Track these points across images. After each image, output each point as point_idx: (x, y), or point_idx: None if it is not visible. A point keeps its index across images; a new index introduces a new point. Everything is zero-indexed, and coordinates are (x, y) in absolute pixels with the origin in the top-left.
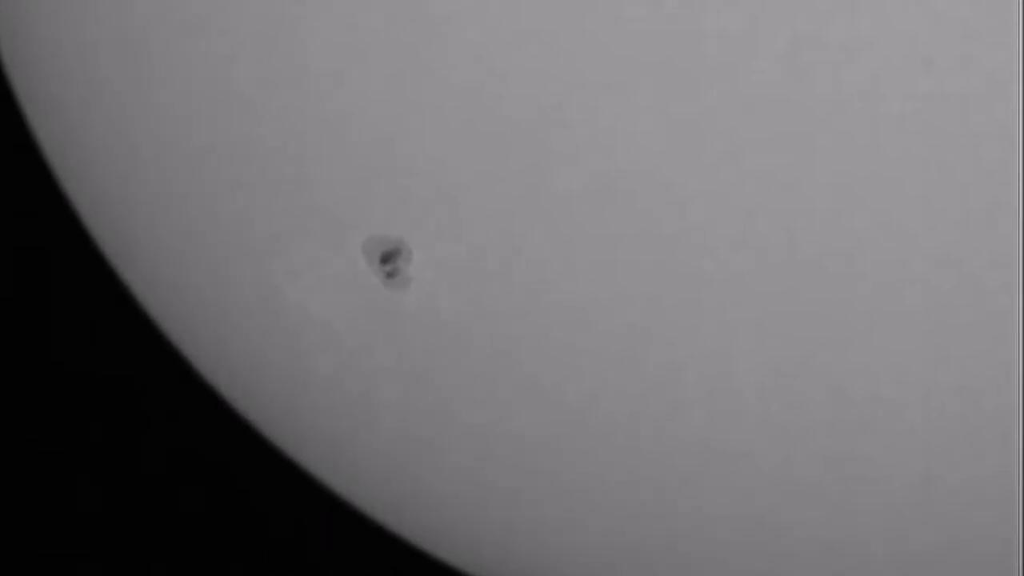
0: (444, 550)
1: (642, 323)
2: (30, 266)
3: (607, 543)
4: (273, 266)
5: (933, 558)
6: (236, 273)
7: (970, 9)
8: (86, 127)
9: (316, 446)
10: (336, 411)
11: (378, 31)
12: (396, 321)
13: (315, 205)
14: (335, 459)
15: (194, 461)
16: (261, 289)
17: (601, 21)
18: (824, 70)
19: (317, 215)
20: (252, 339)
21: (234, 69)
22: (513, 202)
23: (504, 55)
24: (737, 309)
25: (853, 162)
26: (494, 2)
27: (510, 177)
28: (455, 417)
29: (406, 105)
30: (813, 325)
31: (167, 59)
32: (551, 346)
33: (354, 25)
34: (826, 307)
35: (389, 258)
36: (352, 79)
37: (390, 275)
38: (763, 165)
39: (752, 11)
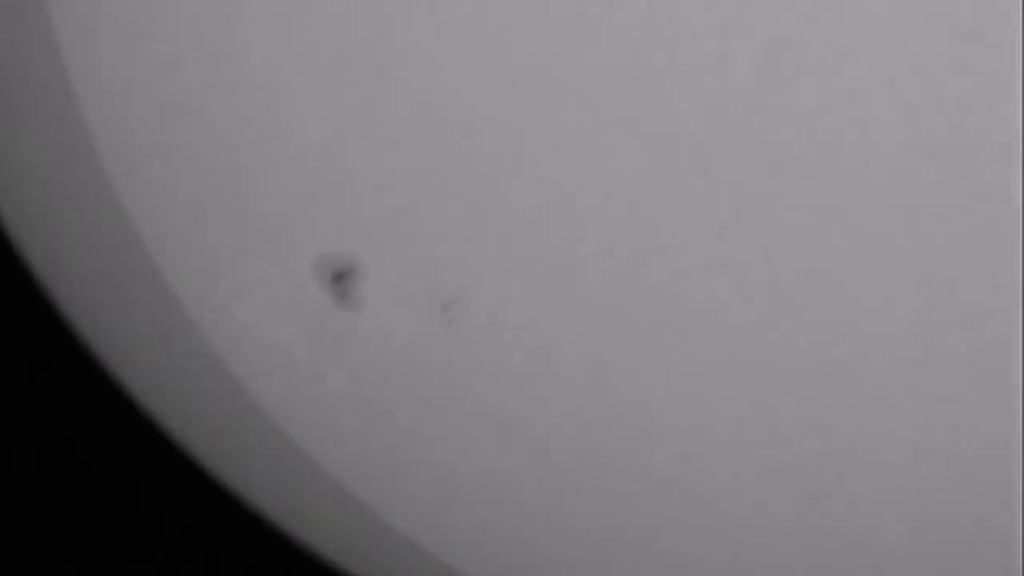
0: None
1: (610, 350)
2: None
3: None
4: (217, 286)
5: None
6: (176, 293)
7: (970, 9)
8: (14, 136)
9: (262, 480)
10: (283, 441)
11: (326, 38)
12: (348, 345)
13: (261, 222)
14: (282, 494)
15: (131, 495)
16: (204, 311)
17: (562, 24)
18: (807, 73)
19: (263, 232)
20: (194, 365)
21: (173, 78)
22: (472, 218)
23: (459, 60)
24: (711, 336)
25: (840, 173)
26: (447, 6)
27: (468, 191)
28: (411, 448)
29: (357, 117)
30: (795, 352)
31: (103, 65)
32: (513, 374)
33: (300, 32)
34: (809, 333)
35: (340, 278)
36: (300, 89)
37: (342, 296)
38: (741, 176)
39: (726, 12)
